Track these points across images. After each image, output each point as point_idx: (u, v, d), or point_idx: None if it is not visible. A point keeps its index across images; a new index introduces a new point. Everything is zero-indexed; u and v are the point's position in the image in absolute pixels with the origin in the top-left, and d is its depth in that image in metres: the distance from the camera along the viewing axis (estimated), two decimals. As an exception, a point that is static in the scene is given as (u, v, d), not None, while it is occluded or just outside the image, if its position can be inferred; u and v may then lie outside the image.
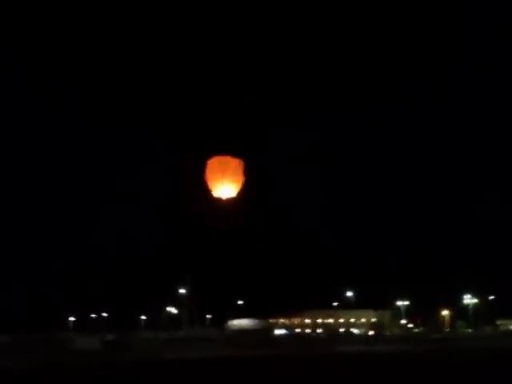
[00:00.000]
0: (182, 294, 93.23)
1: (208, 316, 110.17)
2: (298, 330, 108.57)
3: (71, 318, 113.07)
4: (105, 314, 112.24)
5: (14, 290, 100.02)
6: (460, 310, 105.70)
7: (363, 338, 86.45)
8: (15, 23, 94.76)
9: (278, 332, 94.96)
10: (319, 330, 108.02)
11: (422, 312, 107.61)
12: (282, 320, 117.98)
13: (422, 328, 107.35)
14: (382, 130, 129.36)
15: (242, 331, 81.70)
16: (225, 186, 19.39)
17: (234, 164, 19.82)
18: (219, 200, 19.58)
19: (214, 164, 19.53)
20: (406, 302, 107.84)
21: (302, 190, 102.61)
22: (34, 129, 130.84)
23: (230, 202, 19.93)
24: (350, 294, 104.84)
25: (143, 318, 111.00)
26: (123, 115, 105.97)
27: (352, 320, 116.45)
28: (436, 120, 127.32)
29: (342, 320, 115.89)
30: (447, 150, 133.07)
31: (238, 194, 19.93)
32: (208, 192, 19.70)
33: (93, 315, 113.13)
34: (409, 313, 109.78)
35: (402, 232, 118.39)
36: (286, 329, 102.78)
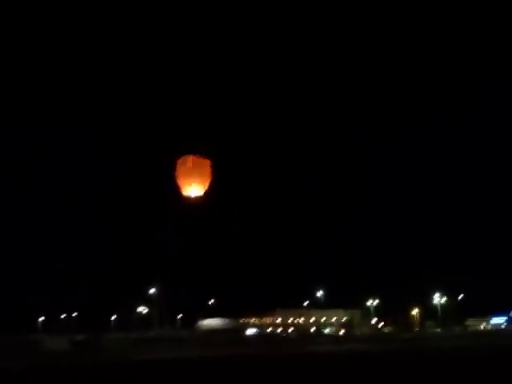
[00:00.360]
0: (152, 294, 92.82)
1: (179, 316, 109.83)
2: (269, 330, 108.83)
3: (40, 319, 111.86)
4: (74, 314, 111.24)
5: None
6: (429, 310, 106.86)
7: (333, 337, 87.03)
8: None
9: (249, 332, 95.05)
10: (290, 330, 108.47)
11: (391, 311, 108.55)
12: (253, 319, 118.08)
13: (391, 327, 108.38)
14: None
15: (212, 331, 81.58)
16: (193, 185, 19.75)
17: (202, 164, 20.13)
18: (188, 198, 19.92)
19: (182, 164, 19.82)
20: (376, 302, 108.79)
21: (275, 187, 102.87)
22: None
23: (199, 200, 20.28)
24: (320, 293, 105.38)
25: (113, 318, 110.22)
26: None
27: (323, 319, 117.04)
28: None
29: (312, 319, 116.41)
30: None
31: (206, 192, 20.27)
32: (178, 190, 20.01)
33: (62, 315, 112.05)
34: (379, 312, 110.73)
35: (373, 231, 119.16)
36: (257, 328, 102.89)
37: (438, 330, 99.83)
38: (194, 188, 19.86)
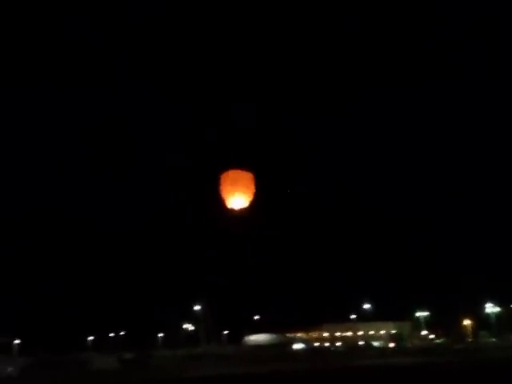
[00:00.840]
0: (197, 311, 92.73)
1: (225, 332, 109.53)
2: (316, 344, 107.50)
3: (90, 338, 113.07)
4: (122, 333, 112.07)
5: (33, 312, 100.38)
6: (482, 320, 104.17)
7: (383, 350, 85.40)
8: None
9: (296, 346, 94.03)
10: (338, 344, 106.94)
11: (442, 322, 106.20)
12: (299, 334, 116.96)
13: (443, 339, 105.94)
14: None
15: (259, 347, 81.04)
16: (236, 197, 19.74)
17: (246, 177, 20.14)
18: (232, 210, 19.90)
19: (226, 177, 19.89)
20: (426, 313, 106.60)
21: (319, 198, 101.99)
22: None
23: (243, 212, 20.26)
24: (367, 306, 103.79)
25: (161, 335, 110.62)
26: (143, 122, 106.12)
27: (371, 332, 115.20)
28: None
29: (360, 333, 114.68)
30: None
31: (250, 204, 20.23)
32: (222, 203, 20.04)
33: (111, 334, 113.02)
34: (429, 323, 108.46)
35: (421, 242, 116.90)
36: (304, 343, 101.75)
37: (493, 340, 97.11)
38: (237, 200, 19.80)
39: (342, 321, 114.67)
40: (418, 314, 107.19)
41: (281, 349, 79.42)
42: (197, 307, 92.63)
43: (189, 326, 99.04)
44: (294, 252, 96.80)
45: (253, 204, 20.38)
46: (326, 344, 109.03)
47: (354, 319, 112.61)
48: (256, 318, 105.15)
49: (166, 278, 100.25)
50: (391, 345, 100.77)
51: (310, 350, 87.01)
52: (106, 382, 40.90)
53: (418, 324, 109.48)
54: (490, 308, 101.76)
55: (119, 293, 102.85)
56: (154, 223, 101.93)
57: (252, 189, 20.19)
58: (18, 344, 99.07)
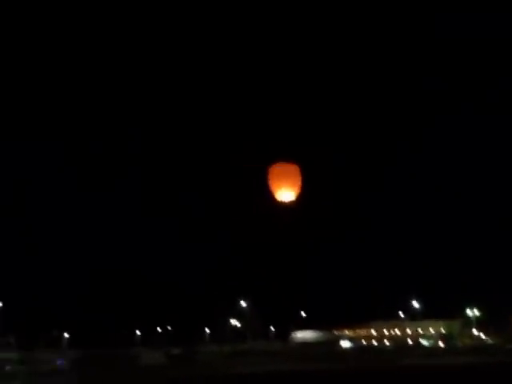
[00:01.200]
0: (244, 307, 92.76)
1: (272, 328, 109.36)
2: (363, 342, 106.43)
3: (138, 332, 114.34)
4: (170, 328, 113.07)
5: (83, 306, 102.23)
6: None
7: (433, 349, 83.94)
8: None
9: (344, 344, 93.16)
10: (386, 342, 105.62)
11: (494, 322, 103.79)
12: (346, 332, 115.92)
13: (494, 338, 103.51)
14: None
15: (306, 344, 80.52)
16: (284, 190, 20.00)
17: (292, 170, 20.25)
18: (281, 203, 20.17)
19: (274, 171, 20.18)
20: (477, 312, 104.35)
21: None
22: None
23: (291, 204, 20.59)
24: (416, 304, 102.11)
25: (208, 331, 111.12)
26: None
27: (420, 331, 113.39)
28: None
29: (408, 331, 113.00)
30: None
31: (298, 197, 20.47)
32: (271, 196, 20.35)
33: (158, 329, 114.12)
34: (480, 323, 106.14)
35: (469, 240, 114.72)
36: (352, 341, 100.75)
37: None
38: (285, 192, 19.97)
39: (389, 318, 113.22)
40: (469, 312, 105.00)
41: (328, 346, 78.70)
42: (243, 303, 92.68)
43: (236, 323, 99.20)
44: (342, 248, 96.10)
45: (300, 197, 20.50)
46: (374, 342, 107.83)
47: (402, 317, 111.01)
48: (303, 315, 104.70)
49: (214, 273, 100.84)
50: (441, 344, 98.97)
51: (357, 348, 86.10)
52: (154, 377, 41.21)
53: (468, 323, 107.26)
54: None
55: (167, 288, 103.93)
56: (207, 215, 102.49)
57: (298, 181, 20.36)
58: (67, 338, 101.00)
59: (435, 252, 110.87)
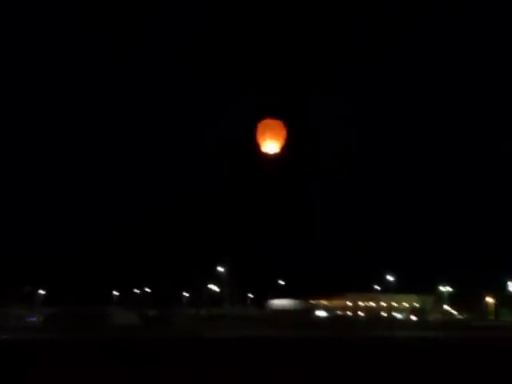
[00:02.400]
0: (222, 272, 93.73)
1: (250, 295, 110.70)
2: (338, 312, 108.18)
3: (115, 293, 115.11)
4: (148, 290, 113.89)
5: (61, 263, 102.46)
6: (505, 298, 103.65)
7: (402, 322, 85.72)
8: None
9: (319, 313, 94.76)
10: (361, 313, 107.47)
11: (465, 298, 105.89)
12: (322, 301, 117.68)
13: (465, 314, 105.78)
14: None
15: (282, 311, 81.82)
16: (269, 142, 21.65)
17: (277, 125, 21.93)
18: (266, 154, 21.75)
19: (261, 125, 21.91)
20: (449, 288, 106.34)
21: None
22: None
23: (275, 156, 22.20)
24: (390, 278, 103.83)
25: (185, 294, 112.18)
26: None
27: (394, 304, 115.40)
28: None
29: (383, 304, 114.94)
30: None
31: (282, 149, 22.13)
32: (257, 147, 22.05)
33: (136, 290, 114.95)
34: (452, 299, 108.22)
35: (447, 218, 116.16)
36: (327, 310, 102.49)
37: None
38: (269, 144, 21.50)
39: (365, 291, 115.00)
40: (442, 288, 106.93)
41: (303, 315, 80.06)
42: (221, 268, 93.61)
43: (214, 287, 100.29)
44: (320, 219, 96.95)
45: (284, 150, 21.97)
46: (349, 313, 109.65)
47: (377, 290, 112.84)
48: (281, 283, 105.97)
49: (193, 237, 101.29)
50: (413, 318, 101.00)
51: (331, 318, 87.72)
52: (124, 337, 41.83)
53: (440, 298, 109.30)
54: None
55: (146, 250, 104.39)
56: (183, 177, 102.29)
57: (283, 135, 21.92)
58: (43, 294, 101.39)
59: (411, 227, 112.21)
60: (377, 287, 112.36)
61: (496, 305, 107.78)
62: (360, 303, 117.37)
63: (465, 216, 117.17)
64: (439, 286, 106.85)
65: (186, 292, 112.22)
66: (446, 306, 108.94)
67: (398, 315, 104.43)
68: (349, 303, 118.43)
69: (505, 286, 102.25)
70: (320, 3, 75.55)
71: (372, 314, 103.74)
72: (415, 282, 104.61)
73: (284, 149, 21.19)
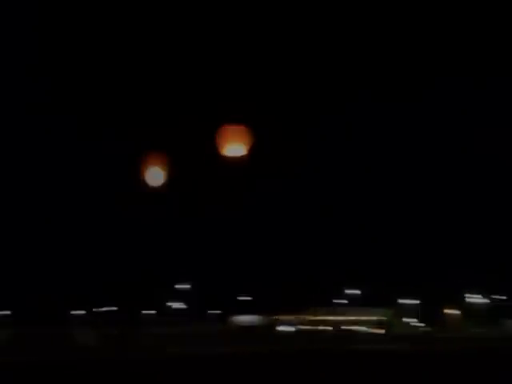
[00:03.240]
0: (184, 289, 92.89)
1: (212, 311, 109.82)
2: (302, 327, 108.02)
3: (75, 312, 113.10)
4: (108, 308, 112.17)
5: (21, 286, 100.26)
6: (467, 310, 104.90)
7: (368, 335, 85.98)
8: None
9: (282, 328, 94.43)
10: (324, 328, 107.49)
11: (428, 310, 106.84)
12: (286, 317, 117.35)
13: (428, 327, 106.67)
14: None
15: (245, 327, 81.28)
16: (231, 146, 21.47)
17: (239, 130, 21.58)
18: (227, 158, 21.34)
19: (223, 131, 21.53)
20: (412, 301, 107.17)
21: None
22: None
23: (237, 159, 21.86)
24: (354, 291, 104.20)
25: (147, 312, 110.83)
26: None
27: (357, 318, 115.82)
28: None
29: (346, 318, 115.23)
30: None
31: (244, 154, 21.79)
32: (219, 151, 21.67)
33: (95, 309, 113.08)
34: (414, 311, 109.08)
35: (405, 229, 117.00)
36: (291, 325, 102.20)
37: (477, 330, 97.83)
38: (235, 148, 21.25)
39: (328, 305, 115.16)
40: (404, 301, 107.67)
41: (266, 330, 79.68)
42: (184, 286, 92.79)
43: (176, 305, 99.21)
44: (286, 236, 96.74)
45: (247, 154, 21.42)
46: (312, 327, 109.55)
47: (341, 304, 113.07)
48: (243, 299, 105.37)
49: (155, 253, 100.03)
50: (375, 331, 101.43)
51: (295, 333, 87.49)
52: (84, 358, 40.87)
53: (403, 311, 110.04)
54: (475, 299, 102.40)
55: (109, 269, 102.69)
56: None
57: (245, 139, 21.46)
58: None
59: (373, 240, 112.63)
60: (341, 301, 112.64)
61: (459, 317, 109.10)
62: (324, 317, 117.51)
63: (426, 228, 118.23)
64: (400, 298, 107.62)
65: (148, 310, 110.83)
66: (409, 319, 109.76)
67: (361, 328, 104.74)
68: (313, 317, 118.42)
69: (465, 298, 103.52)
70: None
71: (336, 327, 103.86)
72: (378, 296, 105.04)
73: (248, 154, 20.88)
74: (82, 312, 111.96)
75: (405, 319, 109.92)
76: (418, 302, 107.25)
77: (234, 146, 20.06)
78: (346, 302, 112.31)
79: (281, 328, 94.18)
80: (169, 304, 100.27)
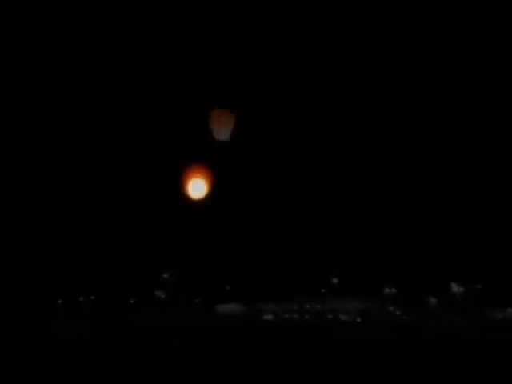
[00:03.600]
0: (167, 278, 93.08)
1: (196, 300, 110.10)
2: (286, 316, 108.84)
3: (59, 301, 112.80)
4: (93, 297, 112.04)
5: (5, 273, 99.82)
6: (448, 299, 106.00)
7: (350, 324, 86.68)
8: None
9: (266, 317, 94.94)
10: (307, 316, 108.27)
11: (410, 300, 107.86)
12: (270, 305, 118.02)
13: (409, 316, 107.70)
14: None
15: (229, 316, 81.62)
16: (219, 130, 21.96)
17: (226, 114, 22.14)
18: (215, 141, 21.91)
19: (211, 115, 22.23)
20: (394, 290, 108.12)
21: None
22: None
23: (224, 144, 22.39)
24: (336, 280, 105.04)
25: (132, 301, 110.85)
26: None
27: (340, 307, 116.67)
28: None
29: (329, 306, 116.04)
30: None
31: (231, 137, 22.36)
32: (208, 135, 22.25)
33: (81, 298, 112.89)
34: (397, 300, 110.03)
35: (389, 219, 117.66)
36: (274, 314, 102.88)
37: (457, 319, 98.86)
38: (220, 132, 21.73)
39: (311, 293, 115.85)
40: (386, 290, 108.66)
41: (250, 319, 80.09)
42: (167, 275, 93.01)
43: (160, 294, 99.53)
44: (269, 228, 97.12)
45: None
46: (295, 316, 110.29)
47: (323, 293, 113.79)
48: (227, 288, 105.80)
49: (138, 243, 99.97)
50: (358, 319, 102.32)
51: (279, 322, 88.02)
52: (71, 346, 41.05)
53: (385, 300, 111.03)
54: (456, 287, 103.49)
55: (92, 258, 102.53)
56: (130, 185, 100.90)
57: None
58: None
59: (356, 229, 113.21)
60: (323, 290, 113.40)
61: (440, 306, 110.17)
62: (307, 305, 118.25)
63: (410, 218, 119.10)
64: (384, 287, 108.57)
65: (132, 299, 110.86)
66: (391, 308, 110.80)
67: (344, 317, 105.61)
68: (296, 306, 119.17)
69: (448, 288, 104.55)
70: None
71: (319, 316, 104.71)
72: (360, 285, 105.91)
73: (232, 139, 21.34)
74: (66, 300, 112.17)
75: (387, 308, 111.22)
76: (399, 290, 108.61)
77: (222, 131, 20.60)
78: (330, 290, 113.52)
79: (265, 317, 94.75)
80: (154, 293, 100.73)
